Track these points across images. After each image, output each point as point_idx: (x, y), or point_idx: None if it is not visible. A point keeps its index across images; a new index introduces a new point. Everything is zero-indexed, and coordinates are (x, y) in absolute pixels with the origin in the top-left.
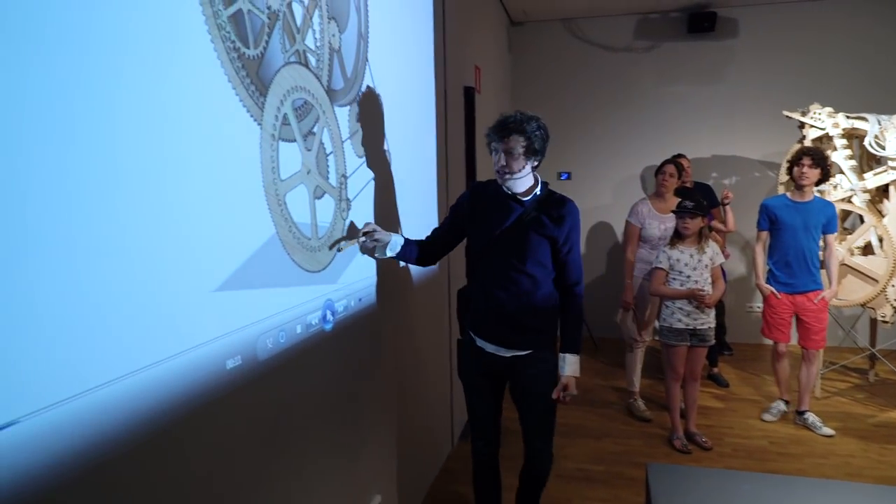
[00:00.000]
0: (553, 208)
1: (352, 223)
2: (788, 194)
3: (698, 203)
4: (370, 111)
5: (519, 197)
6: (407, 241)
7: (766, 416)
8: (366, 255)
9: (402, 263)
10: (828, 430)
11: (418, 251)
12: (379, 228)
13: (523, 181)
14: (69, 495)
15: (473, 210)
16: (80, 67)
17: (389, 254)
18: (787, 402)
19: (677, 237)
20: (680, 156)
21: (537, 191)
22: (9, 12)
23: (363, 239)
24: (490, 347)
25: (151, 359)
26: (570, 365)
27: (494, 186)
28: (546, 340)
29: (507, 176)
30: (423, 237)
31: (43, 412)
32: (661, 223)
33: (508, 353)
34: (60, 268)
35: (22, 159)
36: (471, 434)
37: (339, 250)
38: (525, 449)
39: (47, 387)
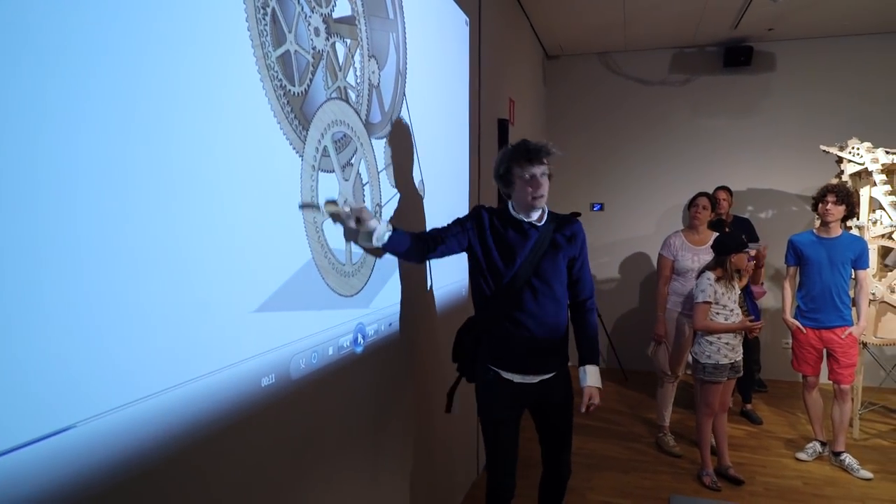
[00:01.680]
0: (564, 227)
1: (328, 201)
2: (815, 230)
3: (742, 240)
4: (405, 143)
5: (533, 222)
6: (396, 232)
7: (801, 456)
8: (393, 282)
9: (429, 284)
10: (866, 473)
11: (412, 245)
12: (369, 214)
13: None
14: (116, 495)
15: (489, 236)
16: (140, 101)
17: (376, 243)
18: (823, 444)
19: (724, 273)
20: (721, 188)
21: (545, 217)
22: (95, 72)
23: (346, 210)
24: (518, 378)
25: (195, 373)
26: (591, 375)
27: (503, 214)
28: (565, 358)
29: (542, 200)
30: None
31: (97, 418)
32: (694, 255)
33: (537, 379)
34: (119, 284)
35: (93, 199)
36: (493, 472)
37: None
38: (547, 461)
39: (101, 395)
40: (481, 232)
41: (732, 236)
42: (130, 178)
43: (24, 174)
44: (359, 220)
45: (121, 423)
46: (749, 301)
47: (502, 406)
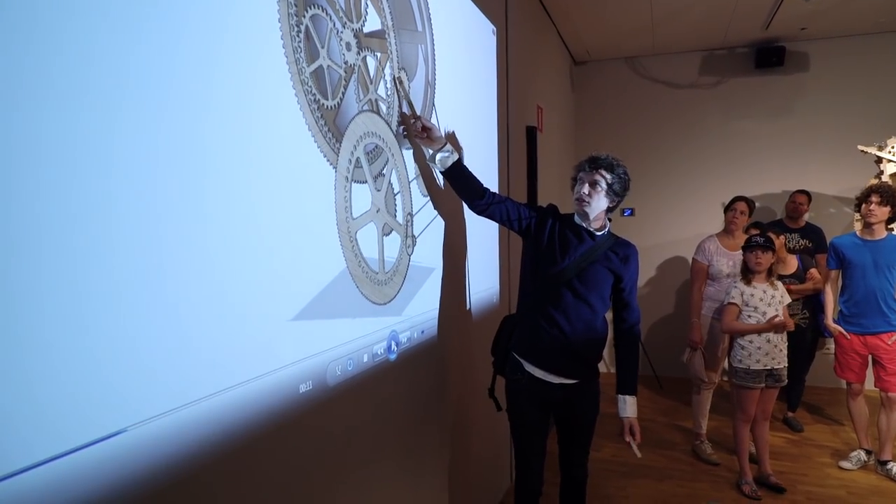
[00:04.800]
0: (619, 248)
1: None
2: (858, 232)
3: (768, 237)
4: None
5: (592, 230)
6: (461, 163)
7: (845, 464)
8: (423, 291)
9: (461, 292)
10: None
11: (476, 183)
12: (437, 130)
13: (598, 218)
14: (162, 498)
15: (548, 228)
16: (179, 119)
17: (440, 163)
18: (868, 452)
19: (749, 273)
20: (800, 192)
21: (606, 231)
22: (142, 96)
23: (412, 119)
24: (540, 373)
25: (237, 379)
26: (630, 406)
27: (567, 219)
28: (594, 371)
29: (586, 205)
30: (487, 261)
31: (145, 423)
32: (729, 260)
33: (557, 381)
34: (162, 295)
35: (137, 216)
36: (520, 470)
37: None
38: (565, 462)
39: (149, 401)
40: (543, 221)
41: (748, 237)
42: (170, 191)
43: (62, 195)
44: (428, 137)
45: (168, 428)
46: (817, 310)
47: (528, 405)
